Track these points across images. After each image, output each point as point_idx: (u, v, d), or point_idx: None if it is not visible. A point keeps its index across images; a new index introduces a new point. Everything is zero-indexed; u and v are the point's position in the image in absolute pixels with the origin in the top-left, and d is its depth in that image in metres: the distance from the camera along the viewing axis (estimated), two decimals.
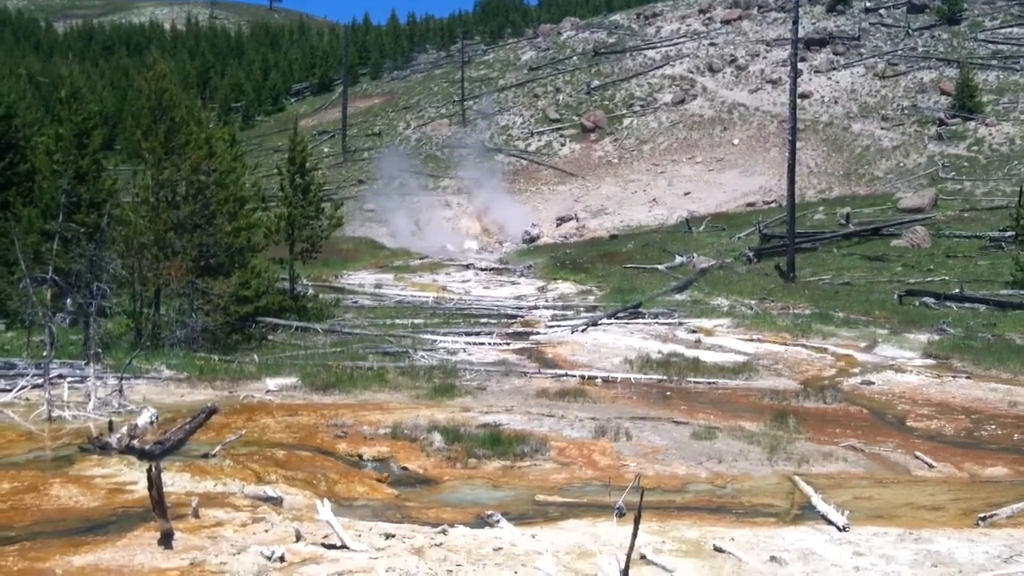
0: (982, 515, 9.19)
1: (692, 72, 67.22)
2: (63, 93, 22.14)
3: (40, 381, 13.76)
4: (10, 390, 13.99)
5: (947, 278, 29.57)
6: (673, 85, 65.77)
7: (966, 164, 48.31)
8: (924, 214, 39.08)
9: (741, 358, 19.32)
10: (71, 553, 7.77)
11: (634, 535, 6.14)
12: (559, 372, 17.80)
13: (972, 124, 51.90)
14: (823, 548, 8.36)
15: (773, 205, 46.56)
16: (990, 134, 50.58)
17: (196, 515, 8.67)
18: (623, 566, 6.31)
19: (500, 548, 8.13)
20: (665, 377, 17.36)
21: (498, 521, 9.03)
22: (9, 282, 17.96)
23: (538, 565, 7.69)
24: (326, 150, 63.39)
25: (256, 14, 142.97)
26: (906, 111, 55.99)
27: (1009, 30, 63.31)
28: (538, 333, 22.71)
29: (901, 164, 50.44)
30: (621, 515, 7.32)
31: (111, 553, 7.79)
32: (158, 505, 7.96)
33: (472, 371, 17.46)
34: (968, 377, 17.40)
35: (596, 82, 68.40)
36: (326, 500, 8.84)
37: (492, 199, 54.56)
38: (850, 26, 68.12)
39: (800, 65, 51.71)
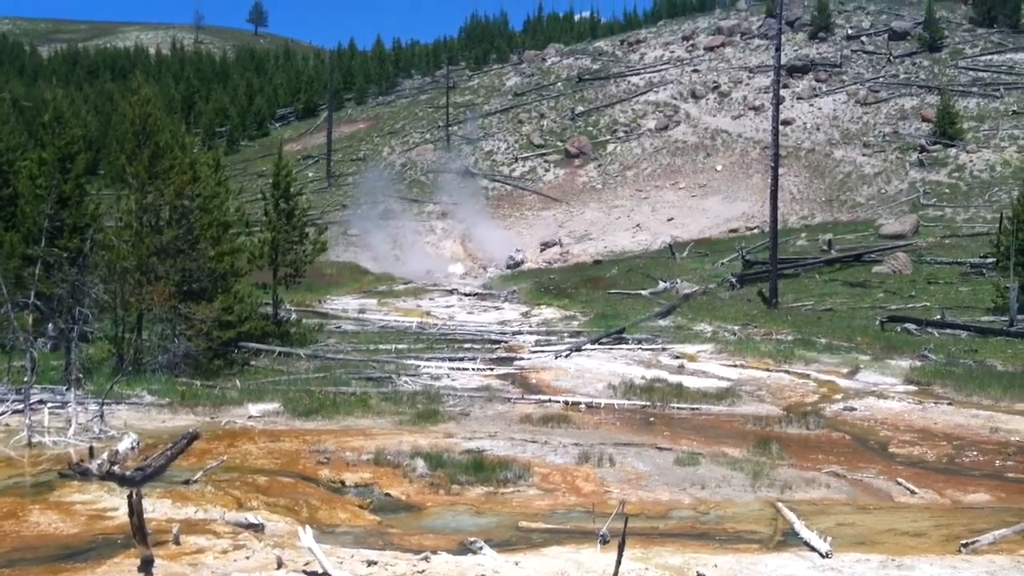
0: (964, 542, 9.21)
1: (675, 98, 67.65)
2: (46, 117, 22.14)
3: (20, 406, 13.67)
4: None
5: (928, 304, 29.72)
6: (657, 111, 66.16)
7: (947, 191, 48.68)
8: (905, 240, 39.34)
9: (724, 384, 19.34)
10: None
11: (618, 562, 6.15)
12: (543, 398, 17.77)
13: (953, 151, 52.34)
14: (806, 574, 8.36)
15: (756, 231, 46.79)
16: (971, 161, 51.01)
17: (177, 542, 8.61)
18: None
19: (483, 575, 8.10)
20: (648, 403, 17.36)
21: (481, 548, 8.99)
22: None
23: None
24: (311, 175, 63.42)
25: (241, 39, 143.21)
26: (887, 138, 56.43)
27: (989, 58, 64.03)
28: (522, 358, 22.69)
29: (883, 191, 50.78)
30: (605, 542, 7.32)
31: None
32: (139, 532, 7.91)
33: (455, 397, 17.42)
34: (950, 403, 17.46)
35: (580, 108, 68.73)
36: (308, 527, 8.81)
37: (476, 224, 54.65)
38: (832, 53, 68.75)
39: (782, 92, 52.18)
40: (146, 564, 7.90)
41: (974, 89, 59.87)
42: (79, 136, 23.89)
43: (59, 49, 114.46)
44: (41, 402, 14.31)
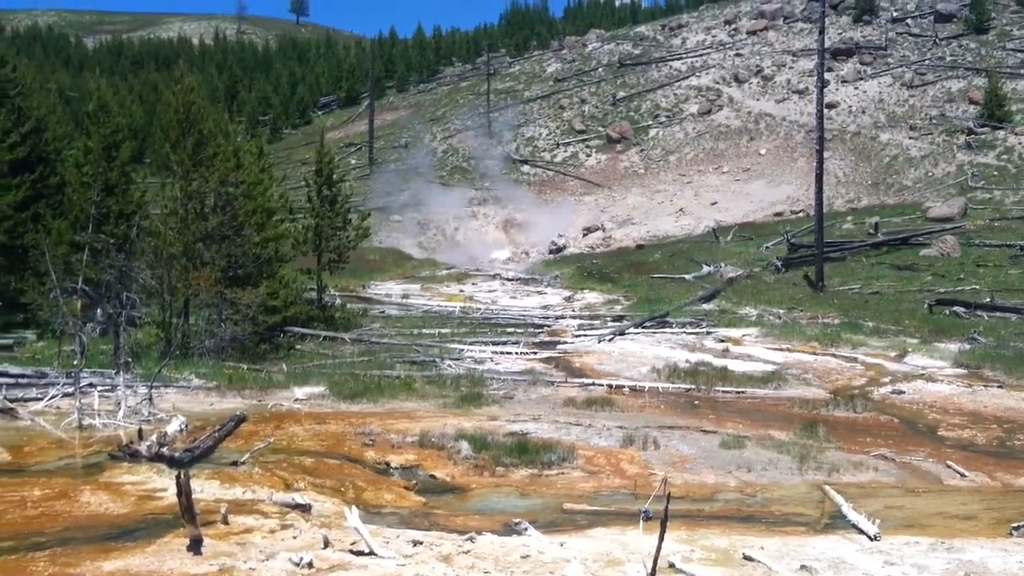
0: (1015, 525, 9.09)
1: (718, 83, 67.04)
2: (91, 107, 22.39)
3: (71, 390, 13.86)
4: (41, 399, 14.10)
5: (977, 287, 29.27)
6: (699, 96, 65.61)
7: (995, 173, 47.87)
8: (953, 223, 38.72)
9: (770, 367, 19.20)
10: (101, 559, 7.82)
11: (660, 539, 6.11)
12: (586, 381, 17.74)
13: (1001, 133, 51.43)
14: (854, 557, 8.29)
15: (801, 215, 46.29)
16: (1020, 143, 50.10)
17: (225, 521, 8.69)
18: (650, 570, 6.27)
19: (528, 556, 8.11)
20: (693, 386, 17.28)
21: (526, 529, 9.00)
22: (40, 293, 18.11)
23: (566, 573, 7.67)
24: (353, 162, 63.62)
25: (283, 28, 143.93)
26: (934, 120, 55.57)
27: None
28: (565, 342, 22.68)
29: (930, 173, 50.06)
30: (647, 519, 7.28)
31: (140, 559, 7.83)
32: (187, 511, 8.00)
33: (499, 380, 17.44)
34: (1000, 386, 17.22)
35: (621, 93, 68.32)
36: (354, 507, 8.86)
37: (518, 210, 54.59)
38: (877, 36, 67.76)
39: (827, 75, 51.47)
40: (195, 543, 7.99)
41: (1022, 71, 58.76)
42: (124, 125, 24.14)
43: (104, 40, 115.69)
44: (91, 385, 14.50)
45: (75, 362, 14.51)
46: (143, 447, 11.05)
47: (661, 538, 6.11)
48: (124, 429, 12.58)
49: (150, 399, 13.89)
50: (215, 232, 19.42)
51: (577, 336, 23.54)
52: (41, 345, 19.41)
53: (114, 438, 12.06)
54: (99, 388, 14.50)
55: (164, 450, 11.02)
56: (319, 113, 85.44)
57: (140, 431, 11.76)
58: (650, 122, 63.96)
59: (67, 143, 25.97)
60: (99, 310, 19.50)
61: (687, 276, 35.42)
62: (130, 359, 15.82)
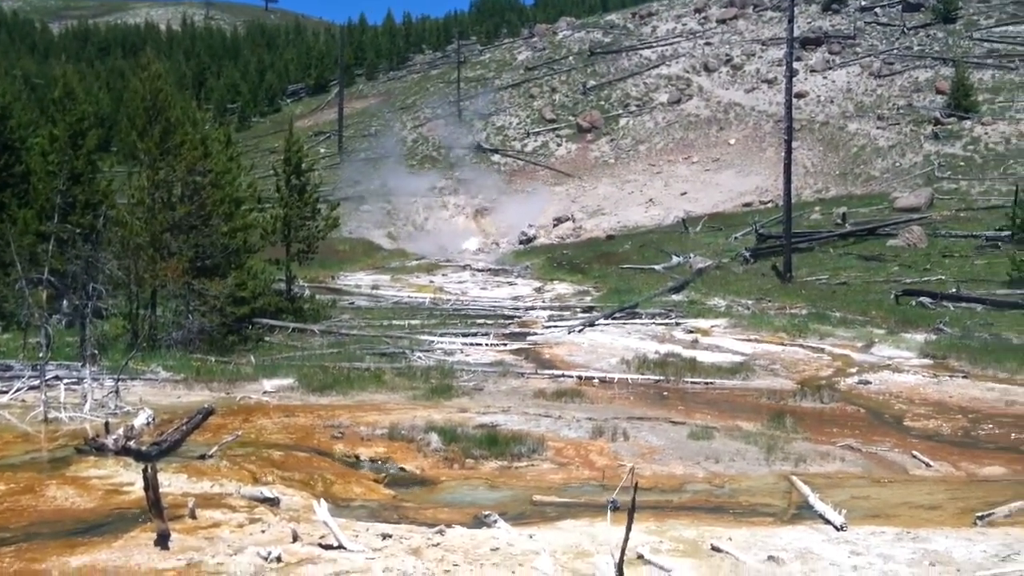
0: (980, 514, 9.19)
1: (688, 72, 67.18)
2: (57, 93, 22.18)
3: (36, 383, 13.74)
4: (6, 392, 13.97)
5: (944, 278, 29.55)
6: (669, 85, 65.73)
7: (962, 163, 48.29)
8: (920, 214, 39.06)
9: (738, 358, 19.32)
10: (67, 554, 7.76)
11: (628, 529, 6.14)
12: (556, 372, 17.78)
13: (968, 123, 51.85)
14: (821, 547, 8.36)
15: (770, 205, 46.54)
16: (986, 133, 50.55)
17: (193, 516, 8.65)
18: (617, 560, 6.30)
19: (497, 548, 8.12)
20: (662, 377, 17.36)
21: (495, 521, 9.01)
22: (5, 284, 17.94)
23: (536, 565, 7.68)
24: (322, 151, 63.26)
25: (252, 14, 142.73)
26: (902, 110, 55.96)
27: (1004, 28, 63.30)
28: (535, 334, 22.70)
29: (897, 163, 50.43)
30: (615, 509, 7.32)
31: (107, 554, 7.78)
32: (154, 506, 7.95)
33: (469, 372, 17.45)
34: (965, 377, 17.41)
35: (592, 82, 68.33)
36: (323, 500, 8.84)
37: (489, 200, 54.55)
38: (845, 25, 68.13)
39: (796, 64, 51.81)
40: (162, 538, 7.94)
41: (989, 61, 59.26)
42: (90, 112, 23.92)
43: (70, 26, 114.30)
44: (57, 378, 14.37)
45: (40, 354, 14.39)
46: (110, 441, 10.96)
47: (628, 528, 6.14)
48: (90, 422, 12.48)
49: (117, 392, 13.78)
50: (182, 222, 19.29)
51: (547, 327, 23.57)
52: (6, 337, 19.20)
53: (80, 432, 11.95)
54: (65, 381, 14.37)
55: (131, 444, 10.94)
56: (288, 101, 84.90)
57: (107, 424, 11.67)
58: (620, 111, 64.04)
59: (32, 131, 25.69)
60: (65, 301, 19.33)
61: (657, 267, 35.55)
62: (96, 351, 15.66)
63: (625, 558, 7.68)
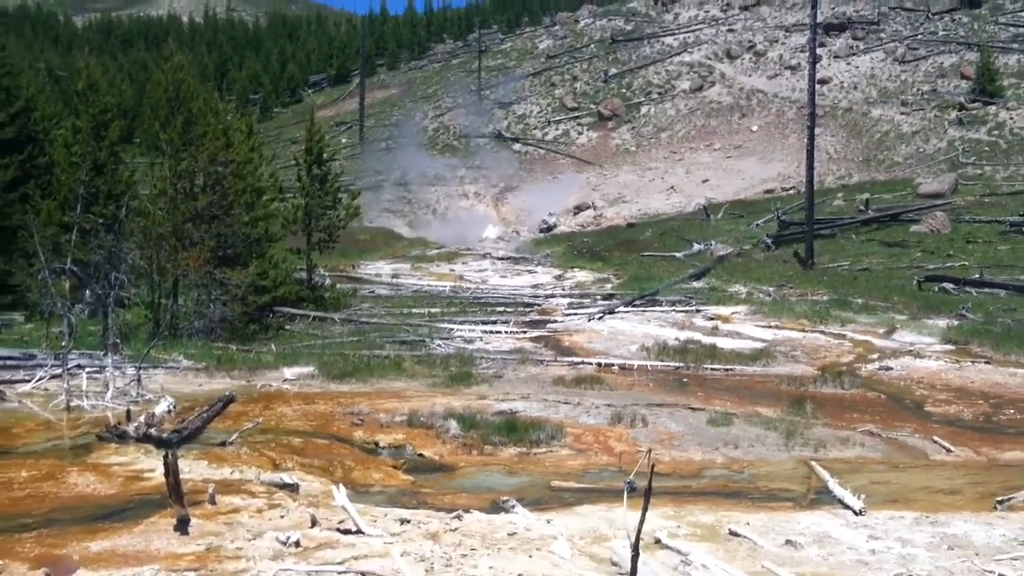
0: (1000, 499, 9.15)
1: (710, 59, 66.83)
2: (80, 85, 22.31)
3: (59, 371, 13.85)
4: (29, 380, 14.11)
5: (967, 263, 29.34)
6: (691, 72, 65.41)
7: (987, 149, 47.88)
8: (944, 199, 38.74)
9: (759, 345, 19.25)
10: (88, 539, 7.84)
11: (644, 510, 6.15)
12: (575, 360, 17.77)
13: (993, 108, 51.39)
14: (839, 532, 8.35)
15: (791, 192, 46.29)
16: (1011, 118, 50.08)
17: (213, 502, 8.72)
18: (633, 540, 6.31)
19: (515, 533, 8.15)
20: (682, 364, 17.33)
21: (513, 506, 9.04)
22: (28, 274, 18.09)
23: (553, 549, 7.71)
24: (343, 141, 63.35)
25: (273, 6, 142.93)
26: (926, 96, 55.50)
27: None
28: (555, 321, 22.70)
29: (921, 149, 50.05)
30: (632, 490, 7.32)
31: (127, 539, 7.86)
32: (174, 491, 8.02)
33: (488, 359, 17.47)
34: (987, 362, 17.29)
35: (613, 70, 68.09)
36: (342, 486, 8.89)
37: (509, 188, 54.53)
38: (869, 11, 67.57)
39: (819, 51, 51.34)
40: (182, 523, 8.01)
41: (1014, 45, 58.63)
42: (113, 104, 24.06)
43: (93, 19, 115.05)
44: (79, 367, 14.48)
45: (63, 343, 14.50)
46: (131, 428, 11.06)
47: (645, 509, 6.15)
48: (112, 410, 12.60)
49: (138, 380, 13.89)
50: (204, 212, 19.38)
51: (567, 315, 23.56)
52: (29, 327, 19.39)
53: (102, 419, 12.07)
54: (87, 370, 14.49)
55: (152, 431, 11.02)
56: (309, 91, 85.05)
57: (128, 412, 11.78)
58: (642, 99, 63.80)
59: (56, 123, 25.88)
60: (88, 291, 19.47)
61: (677, 254, 35.44)
62: (118, 340, 15.78)
63: (643, 542, 7.70)
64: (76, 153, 21.26)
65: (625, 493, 7.30)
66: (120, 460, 10.34)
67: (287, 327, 20.84)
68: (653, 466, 6.57)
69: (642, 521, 6.24)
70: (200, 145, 19.51)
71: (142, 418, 11.39)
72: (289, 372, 15.77)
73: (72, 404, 12.84)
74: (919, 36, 62.83)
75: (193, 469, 9.88)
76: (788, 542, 8.02)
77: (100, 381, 14.07)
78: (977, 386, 15.73)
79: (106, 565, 7.23)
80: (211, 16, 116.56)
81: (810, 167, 32.49)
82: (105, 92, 23.55)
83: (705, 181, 51.90)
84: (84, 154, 20.90)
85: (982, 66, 53.44)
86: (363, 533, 8.03)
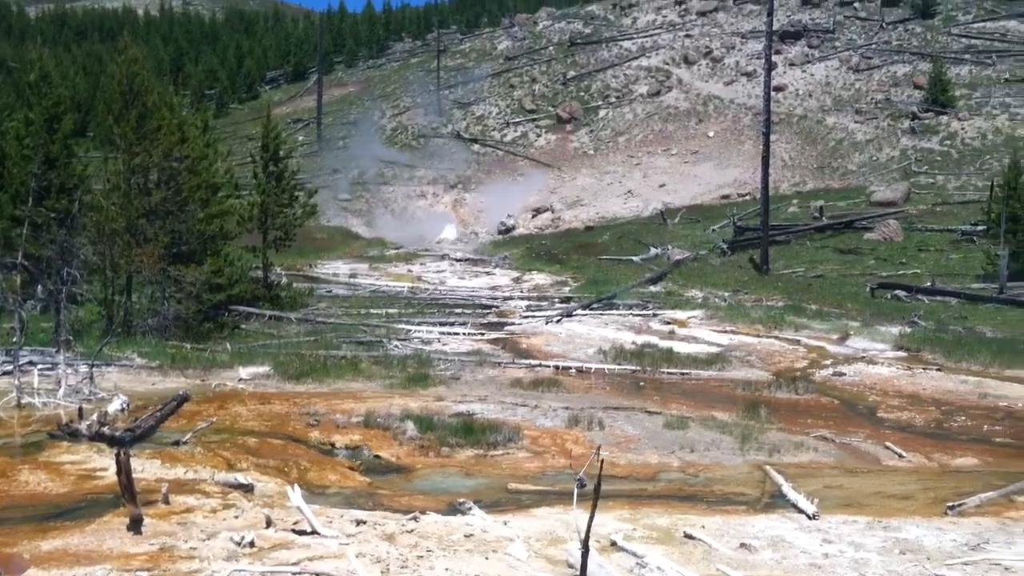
0: (951, 504, 9.28)
1: (668, 64, 67.22)
2: (32, 77, 21.94)
3: (9, 368, 13.64)
4: None
5: (919, 271, 29.77)
6: (649, 76, 65.75)
7: (939, 158, 48.61)
8: (897, 208, 39.30)
9: (714, 349, 19.40)
10: (39, 538, 7.72)
11: (593, 508, 6.18)
12: (533, 362, 17.80)
13: (945, 119, 52.18)
14: (793, 535, 8.43)
15: (747, 198, 46.65)
16: (963, 128, 50.88)
17: (166, 501, 8.62)
18: (582, 538, 6.34)
19: (471, 534, 8.14)
20: (639, 368, 17.41)
21: (470, 508, 9.03)
22: None
23: (509, 551, 7.71)
24: (301, 138, 62.95)
25: (230, 0, 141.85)
26: (879, 105, 56.22)
27: (982, 24, 63.67)
28: (513, 323, 22.71)
29: (874, 158, 50.70)
30: (582, 487, 7.36)
31: (79, 538, 7.75)
32: (127, 491, 7.92)
33: (446, 361, 17.45)
34: (939, 369, 17.55)
35: (572, 73, 68.25)
36: (296, 486, 8.82)
37: (467, 189, 54.46)
38: (825, 19, 68.29)
39: (775, 58, 51.81)
40: (135, 523, 7.91)
41: (967, 56, 59.61)
42: (66, 96, 23.71)
43: (46, 9, 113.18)
44: (31, 364, 14.28)
45: (14, 340, 14.29)
46: (83, 426, 10.91)
47: (594, 508, 6.17)
48: (64, 408, 12.42)
49: (91, 378, 13.71)
50: (159, 208, 19.16)
51: (525, 317, 23.59)
52: None
53: (54, 417, 11.90)
54: (39, 366, 14.29)
55: (105, 429, 10.89)
56: (266, 88, 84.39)
57: (80, 410, 11.61)
58: (600, 102, 64.03)
59: (7, 115, 25.52)
60: (39, 286, 19.18)
61: (635, 258, 35.60)
62: (71, 337, 15.57)
63: (599, 545, 7.73)
64: (28, 146, 20.92)
65: (575, 490, 7.33)
66: (72, 459, 10.19)
67: (242, 326, 20.66)
68: (602, 463, 6.58)
69: (591, 519, 6.27)
70: (155, 140, 19.29)
71: (95, 416, 11.24)
72: (244, 372, 15.64)
73: (23, 401, 12.65)
74: (873, 45, 63.63)
75: (147, 468, 9.76)
76: (743, 545, 8.08)
77: (52, 378, 13.87)
78: (929, 393, 15.95)
79: (57, 564, 7.12)
80: (167, 9, 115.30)
81: (765, 174, 32.81)
82: (58, 84, 23.18)
83: (662, 186, 52.19)
84: (36, 147, 20.56)
85: (935, 76, 54.23)
86: (318, 534, 7.98)
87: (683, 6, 76.12)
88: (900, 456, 11.98)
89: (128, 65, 19.57)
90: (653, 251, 36.37)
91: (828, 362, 18.50)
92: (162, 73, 67.31)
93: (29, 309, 18.10)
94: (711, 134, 57.52)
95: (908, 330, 21.26)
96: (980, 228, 33.28)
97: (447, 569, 7.23)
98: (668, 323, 22.58)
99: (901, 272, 29.99)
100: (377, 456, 11.40)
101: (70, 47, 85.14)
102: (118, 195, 19.05)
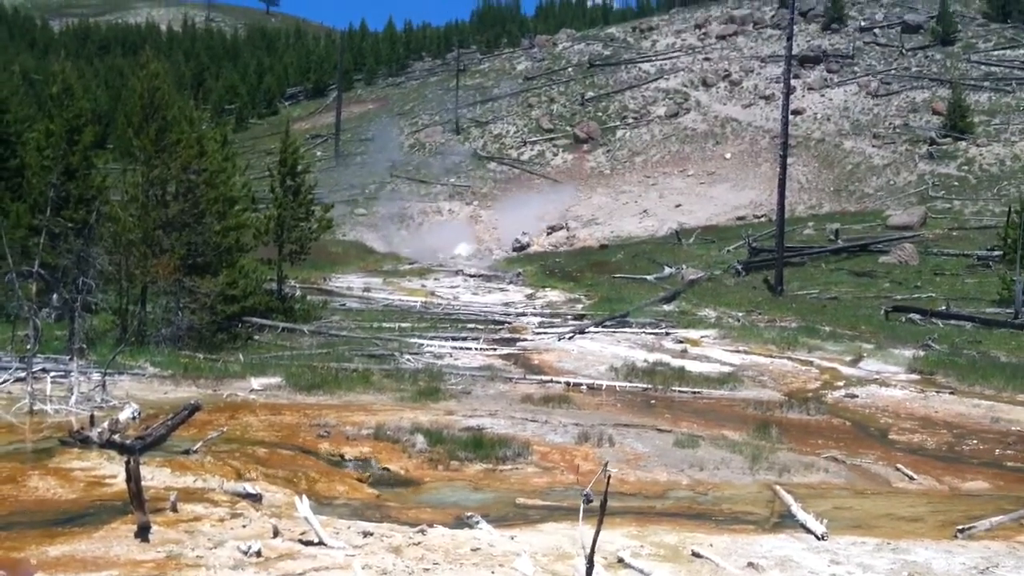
0: (961, 527, 9.21)
1: (686, 86, 67.38)
2: (55, 89, 22.12)
3: (23, 375, 13.71)
4: None
5: (934, 295, 29.65)
6: (667, 98, 65.91)
7: (956, 183, 48.51)
8: (913, 232, 39.21)
9: (726, 369, 19.35)
10: (47, 544, 7.75)
11: (599, 523, 6.18)
12: (544, 378, 17.80)
13: (963, 144, 52.11)
14: (801, 556, 8.38)
15: (763, 219, 46.64)
16: (980, 154, 50.79)
17: (174, 509, 8.64)
18: (588, 556, 6.33)
19: (478, 548, 8.13)
20: (650, 386, 17.37)
21: (477, 522, 9.02)
22: None
23: (516, 566, 7.69)
24: (319, 154, 63.29)
25: (253, 17, 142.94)
26: (898, 130, 56.19)
27: (1002, 52, 63.63)
28: (525, 339, 22.72)
29: (891, 182, 50.63)
30: (588, 502, 7.34)
31: (87, 544, 7.77)
32: (136, 498, 7.94)
33: (457, 375, 17.46)
34: (952, 392, 17.46)
35: (590, 93, 68.49)
36: (304, 497, 8.83)
37: (483, 206, 54.63)
38: (844, 44, 68.36)
39: (793, 82, 51.90)
40: (143, 530, 7.93)
41: (986, 83, 59.54)
42: (87, 109, 23.88)
43: (70, 23, 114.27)
44: (44, 371, 14.36)
45: (28, 347, 14.35)
46: (94, 433, 10.95)
47: (599, 524, 6.17)
48: (76, 415, 12.46)
49: (103, 386, 13.76)
50: (175, 219, 19.27)
51: (537, 333, 23.60)
52: None
53: (65, 424, 11.95)
54: (52, 374, 14.36)
55: (116, 437, 10.91)
56: (286, 104, 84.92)
57: (92, 417, 11.65)
58: (617, 123, 64.18)
59: (29, 126, 25.66)
60: (55, 295, 19.30)
61: (649, 277, 35.60)
62: (84, 345, 15.65)
63: (606, 562, 7.72)
64: (48, 157, 21.08)
65: (582, 506, 7.31)
66: (82, 465, 10.22)
67: (255, 337, 20.73)
68: (610, 479, 6.58)
69: (596, 535, 6.26)
70: (173, 152, 19.41)
71: (106, 424, 11.28)
72: (256, 382, 15.69)
73: (36, 408, 12.70)
74: (892, 71, 63.63)
75: (156, 476, 9.79)
76: (750, 565, 8.04)
77: (65, 386, 13.93)
78: (941, 416, 15.86)
79: (64, 570, 7.14)
80: (190, 25, 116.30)
81: (781, 195, 32.78)
82: (80, 97, 23.35)
83: (678, 206, 52.21)
84: (56, 158, 20.72)
85: (953, 102, 54.20)
86: (325, 545, 7.98)
87: (703, 29, 76.36)
88: (911, 478, 11.92)
89: (149, 79, 19.73)
90: (667, 270, 36.38)
91: (841, 383, 18.44)
92: (183, 88, 67.81)
93: (44, 317, 18.20)
94: (728, 156, 57.55)
95: (922, 353, 21.17)
96: (996, 253, 33.15)
97: None
98: (681, 342, 22.56)
99: (916, 295, 29.88)
100: (386, 468, 11.41)
101: (93, 61, 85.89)
102: (136, 206, 19.17)
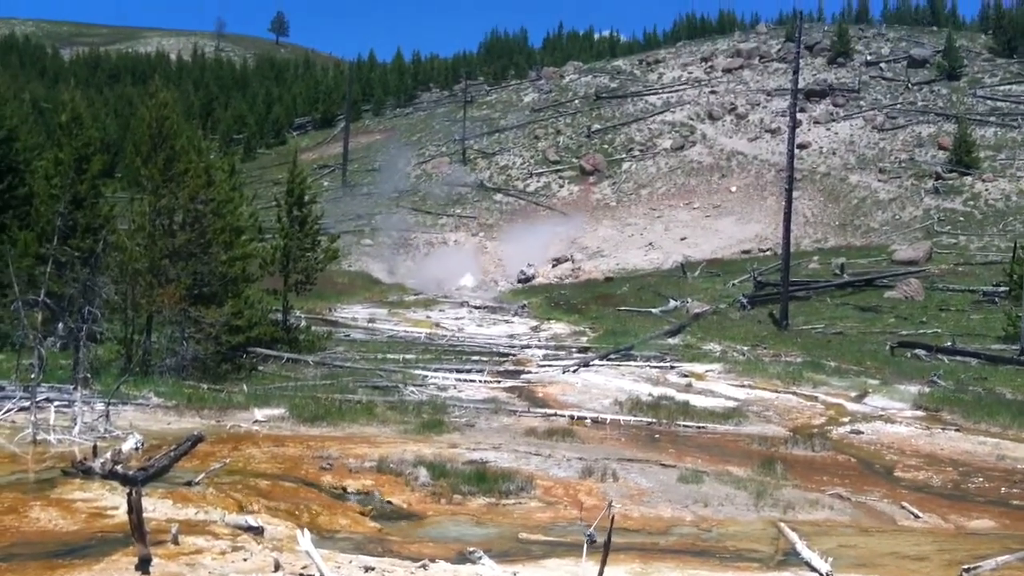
0: (966, 567, 9.15)
1: (692, 119, 67.66)
2: (64, 118, 22.22)
3: (27, 404, 13.70)
4: None
5: (939, 331, 29.59)
6: (673, 131, 66.16)
7: (962, 219, 48.55)
8: (918, 267, 39.22)
9: (731, 404, 19.29)
10: (47, 575, 7.72)
11: (603, 563, 6.15)
12: (548, 411, 17.75)
13: (969, 179, 52.21)
14: None
15: (768, 253, 46.67)
16: (986, 190, 50.87)
17: (176, 542, 8.61)
18: None
19: None
20: (654, 420, 17.32)
21: (480, 558, 8.97)
22: (1, 304, 17.94)
23: None
24: (326, 184, 63.54)
25: (262, 47, 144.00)
26: (903, 164, 56.32)
27: (1008, 87, 63.91)
28: (529, 372, 22.67)
29: (897, 216, 50.68)
30: (592, 542, 7.31)
31: None
32: (137, 530, 7.92)
33: (461, 408, 17.41)
34: (957, 430, 17.37)
35: (597, 126, 68.77)
36: (306, 530, 8.80)
37: (489, 238, 54.73)
38: (850, 79, 68.69)
39: (799, 115, 52.14)
40: (143, 563, 7.90)
41: (992, 118, 59.74)
42: (96, 138, 24.00)
43: (80, 52, 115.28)
44: (48, 400, 14.36)
45: (33, 376, 14.36)
46: (97, 464, 10.93)
47: (603, 563, 6.14)
48: (79, 445, 12.45)
49: (107, 416, 13.77)
50: (182, 249, 19.31)
51: (542, 366, 23.54)
52: (0, 358, 19.18)
53: (68, 454, 11.94)
54: (56, 403, 14.36)
55: (118, 468, 10.90)
56: (294, 134, 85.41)
57: (95, 448, 11.65)
58: (623, 155, 64.40)
59: (38, 154, 25.77)
60: (60, 324, 19.32)
61: (654, 310, 35.57)
62: (89, 375, 15.65)
63: None
64: (56, 185, 21.17)
65: (585, 545, 7.28)
66: (84, 496, 10.20)
67: (260, 368, 20.73)
68: (613, 518, 6.56)
69: (601, 573, 6.22)
70: (181, 182, 19.48)
71: (108, 454, 11.27)
72: (260, 413, 15.66)
73: (39, 437, 12.69)
74: (898, 105, 63.88)
75: (158, 508, 9.76)
76: None
77: (68, 415, 13.92)
78: (946, 453, 15.79)
79: None
80: (199, 55, 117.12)
81: (787, 229, 32.80)
82: (89, 126, 23.48)
83: (683, 239, 52.28)
84: (64, 186, 20.81)
85: (959, 137, 54.36)
86: None
87: (709, 63, 76.78)
88: (916, 516, 11.85)
89: (158, 109, 19.83)
90: (672, 303, 36.35)
91: (846, 419, 18.36)
92: (192, 117, 68.23)
93: (49, 346, 18.20)
94: (734, 189, 57.68)
95: (927, 390, 21.08)
96: (1002, 289, 33.12)
97: None
98: (685, 376, 22.49)
99: (921, 331, 29.83)
100: (388, 502, 11.36)
101: (102, 90, 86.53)
102: (143, 236, 19.22)
